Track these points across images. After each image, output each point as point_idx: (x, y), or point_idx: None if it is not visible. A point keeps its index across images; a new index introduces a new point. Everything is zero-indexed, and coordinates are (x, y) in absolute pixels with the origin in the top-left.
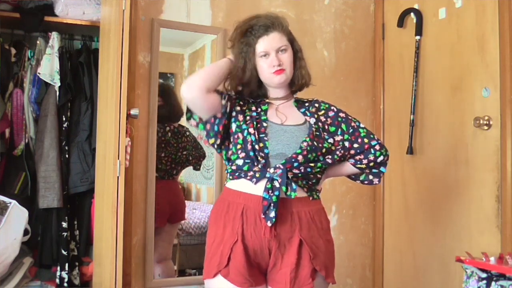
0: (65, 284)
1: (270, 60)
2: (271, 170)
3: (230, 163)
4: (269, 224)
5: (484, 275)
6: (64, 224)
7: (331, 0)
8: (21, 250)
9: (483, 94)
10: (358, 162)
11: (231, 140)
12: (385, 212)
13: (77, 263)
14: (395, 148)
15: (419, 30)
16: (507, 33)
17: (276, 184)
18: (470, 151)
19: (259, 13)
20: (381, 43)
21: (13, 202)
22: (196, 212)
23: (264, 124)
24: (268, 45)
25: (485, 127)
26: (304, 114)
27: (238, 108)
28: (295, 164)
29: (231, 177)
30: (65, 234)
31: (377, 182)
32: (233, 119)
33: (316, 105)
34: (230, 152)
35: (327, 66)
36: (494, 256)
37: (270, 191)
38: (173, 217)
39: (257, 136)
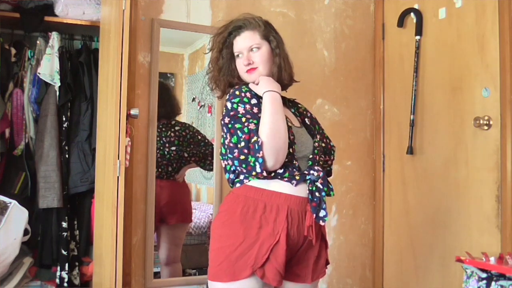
0: (65, 284)
1: (242, 59)
2: (315, 174)
3: None
4: (321, 223)
5: (484, 275)
6: (64, 224)
7: (331, 0)
8: (21, 250)
9: (483, 94)
10: (326, 164)
11: None
12: (385, 212)
13: (77, 263)
14: (395, 148)
15: (419, 30)
16: (507, 33)
17: (318, 185)
18: (470, 151)
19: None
20: (381, 43)
21: (13, 202)
22: (196, 212)
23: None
24: (240, 45)
25: (485, 127)
26: (295, 114)
27: None
28: (317, 165)
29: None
30: (65, 234)
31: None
32: None
33: (299, 105)
34: None
35: (327, 66)
36: (494, 256)
37: (316, 193)
38: (183, 216)
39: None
